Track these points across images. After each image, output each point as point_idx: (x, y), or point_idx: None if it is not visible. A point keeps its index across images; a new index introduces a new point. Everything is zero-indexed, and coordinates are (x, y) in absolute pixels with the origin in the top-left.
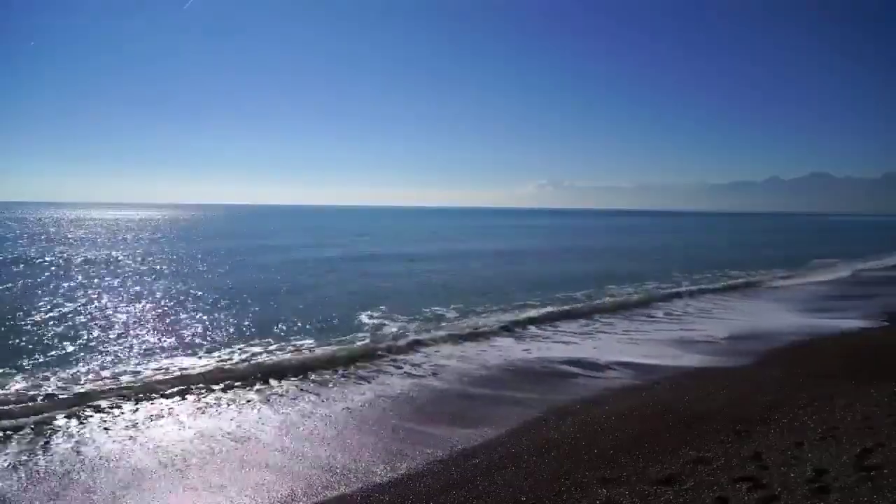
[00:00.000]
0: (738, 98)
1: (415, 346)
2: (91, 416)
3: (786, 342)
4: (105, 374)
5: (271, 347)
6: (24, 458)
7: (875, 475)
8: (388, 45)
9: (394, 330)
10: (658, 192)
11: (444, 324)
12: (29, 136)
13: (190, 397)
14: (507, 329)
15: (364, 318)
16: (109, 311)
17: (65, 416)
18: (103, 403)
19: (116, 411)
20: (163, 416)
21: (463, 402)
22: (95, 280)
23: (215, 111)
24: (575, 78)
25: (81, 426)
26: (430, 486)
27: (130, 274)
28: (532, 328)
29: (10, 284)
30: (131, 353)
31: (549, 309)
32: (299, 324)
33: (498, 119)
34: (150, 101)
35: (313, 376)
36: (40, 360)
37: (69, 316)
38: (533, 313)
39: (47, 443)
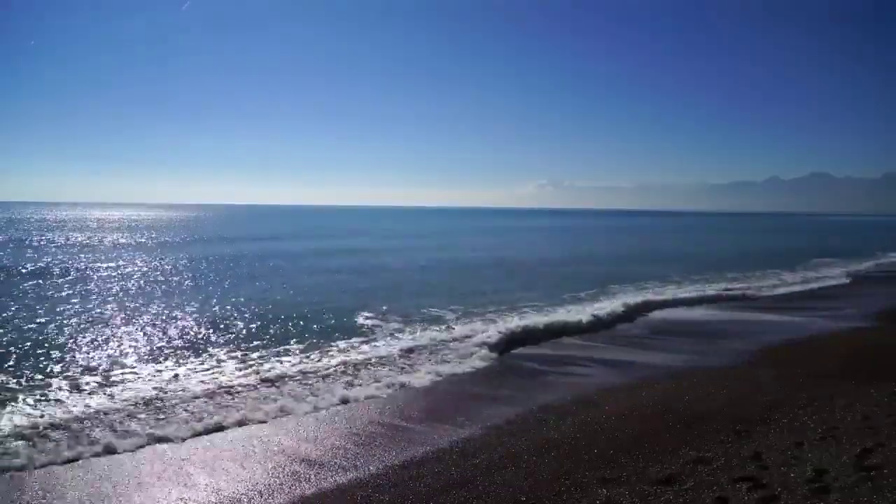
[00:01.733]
0: (738, 98)
1: (403, 346)
2: None
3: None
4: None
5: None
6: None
7: (875, 475)
8: (388, 45)
9: (388, 332)
10: (658, 192)
11: (436, 327)
12: (29, 137)
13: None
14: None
15: (361, 319)
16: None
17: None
18: None
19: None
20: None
21: (457, 401)
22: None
23: (215, 111)
24: (575, 78)
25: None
26: (430, 486)
27: (154, 280)
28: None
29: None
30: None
31: (548, 317)
32: (291, 328)
33: (498, 119)
34: (151, 101)
35: (308, 380)
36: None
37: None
38: (529, 320)
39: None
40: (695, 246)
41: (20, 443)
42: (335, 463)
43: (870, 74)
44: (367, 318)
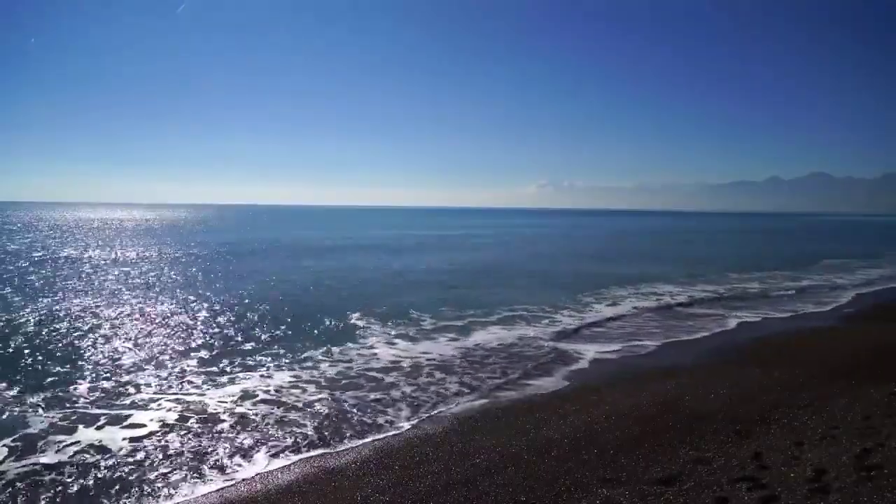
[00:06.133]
0: (738, 98)
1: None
2: None
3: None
4: None
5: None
6: None
7: (875, 475)
8: (388, 45)
9: (380, 334)
10: (658, 192)
11: (425, 328)
12: (29, 137)
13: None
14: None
15: (356, 322)
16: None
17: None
18: None
19: None
20: None
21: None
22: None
23: (215, 111)
24: (575, 78)
25: None
26: (430, 486)
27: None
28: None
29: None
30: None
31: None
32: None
33: (499, 119)
34: (151, 101)
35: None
36: None
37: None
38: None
39: None
40: (732, 248)
41: None
42: (332, 458)
43: (869, 75)
44: (364, 321)
